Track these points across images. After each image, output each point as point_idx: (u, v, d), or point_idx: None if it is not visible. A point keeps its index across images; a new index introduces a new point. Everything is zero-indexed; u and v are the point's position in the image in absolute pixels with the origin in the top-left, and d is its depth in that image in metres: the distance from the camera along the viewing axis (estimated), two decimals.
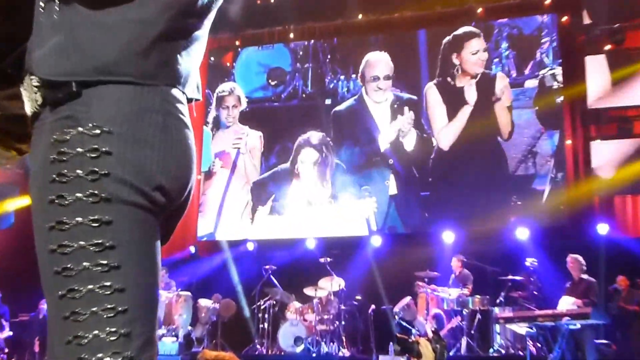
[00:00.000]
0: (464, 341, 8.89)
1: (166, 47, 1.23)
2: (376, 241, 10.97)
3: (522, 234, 10.23)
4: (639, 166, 10.04)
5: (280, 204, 11.63)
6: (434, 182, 11.09)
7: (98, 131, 1.15)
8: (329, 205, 11.39)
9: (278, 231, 11.49)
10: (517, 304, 9.12)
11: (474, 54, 11.28)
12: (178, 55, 1.26)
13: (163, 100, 1.22)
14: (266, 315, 9.84)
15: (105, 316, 1.10)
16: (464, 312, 9.11)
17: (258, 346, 9.80)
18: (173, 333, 9.74)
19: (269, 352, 9.57)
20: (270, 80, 12.45)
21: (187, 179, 1.26)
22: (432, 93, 11.35)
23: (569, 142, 10.77)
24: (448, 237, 10.59)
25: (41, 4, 1.22)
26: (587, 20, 10.65)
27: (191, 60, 1.30)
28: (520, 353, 8.61)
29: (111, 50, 1.17)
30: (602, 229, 9.82)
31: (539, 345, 8.18)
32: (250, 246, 11.41)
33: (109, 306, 1.10)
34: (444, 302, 9.40)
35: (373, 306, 9.74)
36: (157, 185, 1.18)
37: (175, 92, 1.26)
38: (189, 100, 1.33)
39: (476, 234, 10.17)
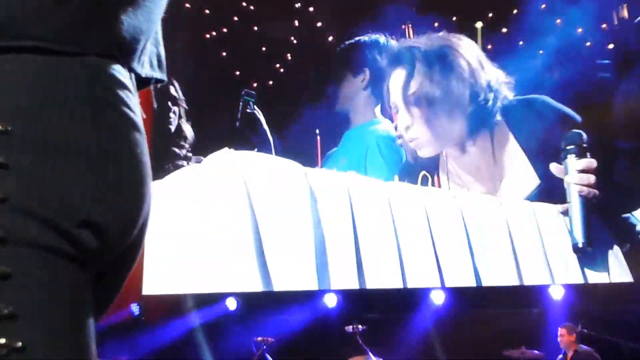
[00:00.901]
0: None
1: None
2: (438, 297, 8.20)
3: None
4: None
5: (274, 230, 8.26)
6: None
7: None
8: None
9: (275, 279, 8.32)
10: None
11: None
12: (119, 4, 0.91)
13: (93, 78, 0.88)
14: None
15: None
16: None
17: None
18: None
19: None
20: None
21: (136, 210, 0.92)
22: None
23: None
24: (555, 290, 7.92)
25: None
26: None
27: (146, 14, 0.95)
28: None
29: None
30: None
31: None
32: (232, 304, 8.73)
33: None
34: None
35: None
36: (84, 219, 0.85)
37: (115, 67, 0.91)
38: (143, 83, 1.00)
39: (598, 286, 7.72)
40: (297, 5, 9.07)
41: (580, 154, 7.14)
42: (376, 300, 8.37)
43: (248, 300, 8.75)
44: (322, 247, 8.28)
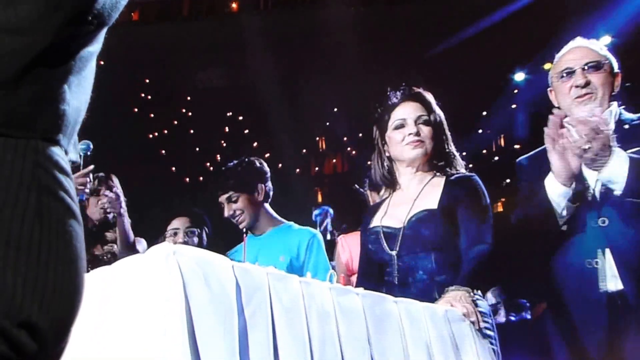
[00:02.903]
0: None
1: (50, 73, 0.82)
2: None
3: None
4: None
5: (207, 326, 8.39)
6: None
7: None
8: None
9: None
10: None
11: None
12: (66, 87, 0.84)
13: (37, 164, 0.80)
14: None
15: None
16: None
17: None
18: None
19: None
20: None
21: (73, 312, 0.82)
22: None
23: None
24: None
25: None
26: None
27: (82, 92, 0.89)
28: None
29: None
30: None
31: None
32: None
33: None
34: None
35: None
36: (23, 320, 0.75)
37: (57, 151, 0.84)
38: None
39: None
40: (229, 114, 10.27)
41: None
42: None
43: None
44: (245, 344, 8.56)
